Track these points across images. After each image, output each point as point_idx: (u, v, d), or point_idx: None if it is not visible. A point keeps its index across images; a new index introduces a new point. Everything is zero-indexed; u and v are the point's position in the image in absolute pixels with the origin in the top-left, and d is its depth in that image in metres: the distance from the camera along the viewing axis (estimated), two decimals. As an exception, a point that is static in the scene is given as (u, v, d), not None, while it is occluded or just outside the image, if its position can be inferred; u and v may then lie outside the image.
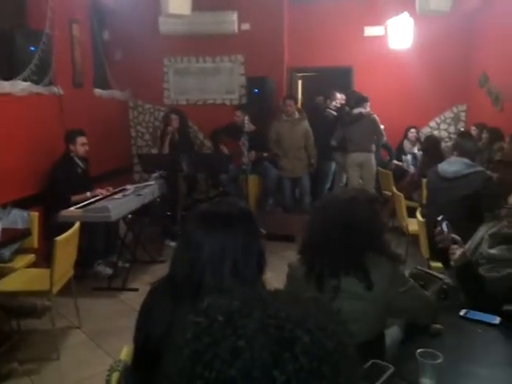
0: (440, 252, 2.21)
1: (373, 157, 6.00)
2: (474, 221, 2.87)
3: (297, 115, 6.02)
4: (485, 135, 5.14)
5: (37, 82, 4.49)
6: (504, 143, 4.55)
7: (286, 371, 0.55)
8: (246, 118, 5.65)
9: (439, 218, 2.12)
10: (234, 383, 0.55)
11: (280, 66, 6.66)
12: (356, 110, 5.93)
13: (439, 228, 2.11)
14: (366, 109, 5.96)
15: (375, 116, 5.94)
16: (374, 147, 6.04)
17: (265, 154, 5.90)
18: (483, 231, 2.36)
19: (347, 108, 6.21)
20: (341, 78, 7.09)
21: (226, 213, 1.39)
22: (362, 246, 1.75)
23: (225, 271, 1.32)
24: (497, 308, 1.93)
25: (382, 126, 5.99)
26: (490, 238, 2.26)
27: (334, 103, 6.39)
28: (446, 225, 2.11)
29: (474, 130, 5.54)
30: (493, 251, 2.21)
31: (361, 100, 6.04)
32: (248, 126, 5.51)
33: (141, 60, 6.53)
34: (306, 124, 6.05)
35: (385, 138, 6.11)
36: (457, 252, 2.07)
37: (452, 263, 2.09)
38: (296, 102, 6.27)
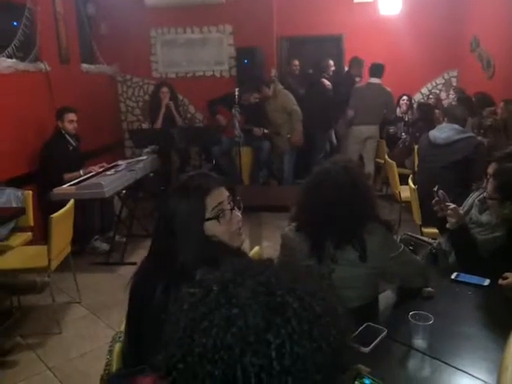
0: (436, 219, 2.26)
1: (377, 128, 5.88)
2: (465, 186, 2.92)
3: (271, 91, 5.80)
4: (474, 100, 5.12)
5: (22, 59, 4.41)
6: (497, 108, 4.52)
7: (279, 335, 0.60)
8: (237, 89, 5.59)
9: (435, 189, 2.16)
10: (231, 349, 0.59)
11: (269, 35, 6.56)
12: (373, 80, 5.70)
13: (436, 198, 2.16)
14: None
15: (390, 90, 5.73)
16: (380, 119, 5.86)
17: (265, 131, 5.86)
18: (474, 197, 2.41)
19: (354, 75, 6.04)
20: (331, 45, 7.01)
21: (181, 184, 1.47)
22: (362, 214, 1.78)
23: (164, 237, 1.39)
24: (486, 269, 1.98)
25: None
26: (479, 204, 2.30)
27: (329, 71, 6.33)
28: (442, 193, 2.15)
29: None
30: (480, 216, 2.26)
31: (379, 69, 5.68)
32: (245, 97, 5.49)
33: (127, 33, 6.40)
34: (281, 100, 5.80)
35: (395, 115, 5.97)
36: (453, 216, 2.11)
37: (448, 226, 2.13)
38: (261, 90, 5.79)
